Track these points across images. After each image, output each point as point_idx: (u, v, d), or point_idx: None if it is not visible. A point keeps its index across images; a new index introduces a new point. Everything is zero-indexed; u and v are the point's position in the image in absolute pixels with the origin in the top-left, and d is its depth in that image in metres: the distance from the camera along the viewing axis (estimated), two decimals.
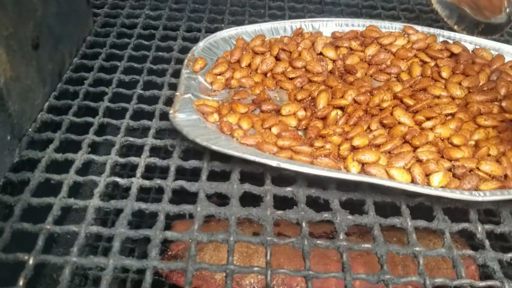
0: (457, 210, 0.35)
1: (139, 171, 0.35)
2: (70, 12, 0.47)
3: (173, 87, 0.43)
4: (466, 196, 0.32)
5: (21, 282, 0.27)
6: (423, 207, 0.34)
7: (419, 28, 0.51)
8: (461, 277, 0.30)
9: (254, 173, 0.36)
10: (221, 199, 0.38)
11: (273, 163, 0.33)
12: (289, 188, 0.35)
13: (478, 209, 0.35)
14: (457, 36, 0.51)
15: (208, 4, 0.60)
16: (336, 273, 0.29)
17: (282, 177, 0.36)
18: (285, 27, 0.51)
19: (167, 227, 0.32)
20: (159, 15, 0.57)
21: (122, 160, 0.36)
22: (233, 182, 0.35)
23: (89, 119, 0.40)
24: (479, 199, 0.32)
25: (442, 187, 0.33)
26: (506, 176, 0.34)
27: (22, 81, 0.37)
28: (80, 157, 0.36)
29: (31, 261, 0.28)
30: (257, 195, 0.35)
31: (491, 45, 0.50)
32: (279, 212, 0.33)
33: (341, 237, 0.31)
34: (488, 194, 0.33)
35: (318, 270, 0.29)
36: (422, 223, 0.33)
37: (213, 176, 0.36)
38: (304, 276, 0.29)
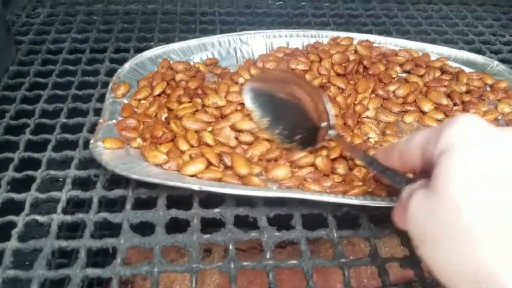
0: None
1: (60, 206, 0.34)
2: None
3: (99, 112, 0.42)
4: (387, 203, 0.33)
5: None
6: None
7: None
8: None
9: (182, 196, 0.36)
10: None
11: (195, 186, 0.33)
12: (217, 210, 0.34)
13: None
14: (383, 39, 0.52)
15: (137, 22, 0.60)
16: None
17: (211, 199, 0.35)
18: (213, 42, 0.51)
19: (92, 264, 0.31)
20: (86, 38, 0.56)
21: (42, 195, 0.35)
22: (159, 209, 0.34)
23: (9, 154, 0.39)
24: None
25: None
26: None
27: None
28: None
29: None
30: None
31: (416, 46, 0.52)
32: (206, 236, 0.32)
33: (267, 256, 0.31)
34: None
35: None
36: (347, 233, 0.33)
37: (140, 204, 0.35)
38: None
